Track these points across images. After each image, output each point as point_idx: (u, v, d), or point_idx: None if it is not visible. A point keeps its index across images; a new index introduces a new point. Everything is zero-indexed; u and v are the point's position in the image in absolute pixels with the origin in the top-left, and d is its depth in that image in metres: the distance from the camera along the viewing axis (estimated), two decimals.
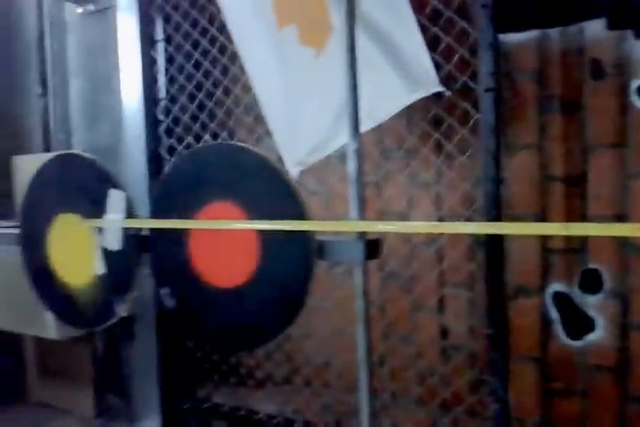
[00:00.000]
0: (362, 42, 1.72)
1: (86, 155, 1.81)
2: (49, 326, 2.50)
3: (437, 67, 1.73)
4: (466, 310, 2.09)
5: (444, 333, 2.15)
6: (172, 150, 2.47)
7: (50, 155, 2.08)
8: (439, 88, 1.71)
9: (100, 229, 1.75)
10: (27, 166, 3.06)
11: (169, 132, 2.47)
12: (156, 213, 1.71)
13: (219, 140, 2.35)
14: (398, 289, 2.18)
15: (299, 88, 2.07)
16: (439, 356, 2.15)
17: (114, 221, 1.73)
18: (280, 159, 2.01)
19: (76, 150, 1.90)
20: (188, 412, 2.42)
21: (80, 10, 2.74)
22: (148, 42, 2.48)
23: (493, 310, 1.59)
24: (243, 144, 1.70)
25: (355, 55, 1.54)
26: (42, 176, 1.95)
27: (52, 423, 2.75)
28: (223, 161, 1.62)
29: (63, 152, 2.05)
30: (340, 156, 2.07)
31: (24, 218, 2.00)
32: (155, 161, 2.47)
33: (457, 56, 1.76)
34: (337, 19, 1.96)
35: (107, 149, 2.74)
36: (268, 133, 2.14)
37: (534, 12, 1.83)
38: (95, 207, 1.77)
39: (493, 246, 1.56)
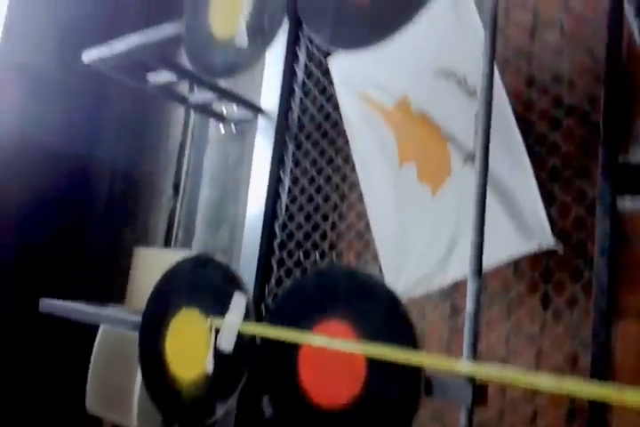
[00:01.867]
0: None
1: (220, 259, 2.02)
2: (132, 415, 2.60)
3: (552, 222, 1.83)
4: None
5: None
6: (281, 263, 2.66)
7: (185, 253, 2.29)
8: (552, 243, 1.79)
9: (218, 329, 1.90)
10: (146, 258, 3.36)
11: (282, 245, 2.67)
12: (271, 323, 1.83)
13: (327, 261, 2.52)
14: None
15: (412, 221, 2.22)
16: None
17: (232, 324, 1.87)
18: None
19: (209, 253, 2.10)
20: None
21: (223, 130, 3.14)
22: (278, 163, 2.77)
23: None
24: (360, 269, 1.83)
25: (484, 197, 1.58)
26: (175, 271, 2.16)
27: None
28: (341, 283, 1.75)
29: (200, 253, 2.28)
30: (442, 293, 2.16)
31: (150, 307, 2.19)
32: (265, 270, 2.67)
33: (573, 214, 1.87)
34: (457, 163, 2.16)
35: (222, 252, 2.99)
36: (375, 259, 2.29)
37: None
38: (218, 307, 1.93)
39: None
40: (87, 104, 3.90)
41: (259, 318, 1.86)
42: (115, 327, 2.60)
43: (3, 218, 3.50)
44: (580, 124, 1.92)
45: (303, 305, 1.77)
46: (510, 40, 2.16)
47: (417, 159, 2.24)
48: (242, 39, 1.84)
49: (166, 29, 2.18)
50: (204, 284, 2.11)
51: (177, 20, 2.13)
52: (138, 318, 2.29)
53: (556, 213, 1.88)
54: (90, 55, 2.46)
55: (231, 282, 2.02)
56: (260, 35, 1.79)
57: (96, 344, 2.91)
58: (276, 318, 1.84)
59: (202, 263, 2.07)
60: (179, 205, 3.37)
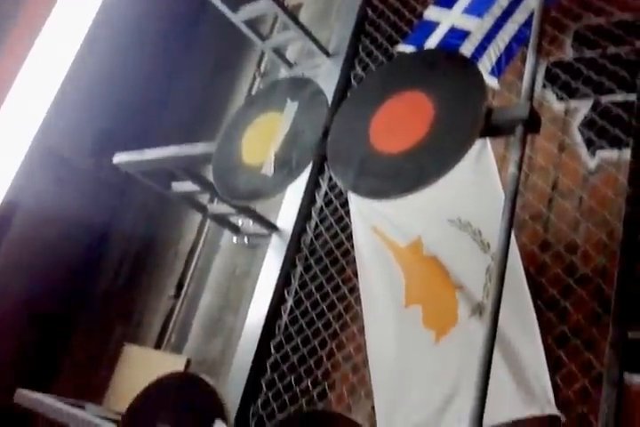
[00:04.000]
0: None
1: (209, 380, 1.94)
2: None
3: (556, 389, 1.77)
4: None
5: None
6: (271, 384, 2.55)
7: (175, 359, 2.20)
8: (554, 410, 1.72)
9: None
10: (134, 357, 3.27)
11: (274, 366, 2.58)
12: None
13: (319, 390, 2.41)
14: None
15: (411, 366, 2.14)
16: None
17: None
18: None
19: (202, 374, 2.03)
20: None
21: (235, 240, 3.18)
22: (284, 281, 2.77)
23: None
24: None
25: (493, 344, 1.52)
26: (160, 386, 2.08)
27: None
28: None
29: (189, 373, 2.21)
30: None
31: (126, 422, 2.09)
32: (252, 389, 2.56)
33: (578, 385, 1.80)
34: (464, 313, 2.13)
35: (213, 363, 2.90)
36: (368, 396, 2.19)
37: None
38: None
39: None
40: (111, 192, 4.00)
41: None
42: None
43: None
44: (591, 294, 1.91)
45: None
46: (527, 204, 2.23)
47: (424, 303, 2.21)
48: (269, 168, 1.91)
49: (199, 148, 2.28)
50: (186, 403, 2.02)
51: (211, 139, 2.24)
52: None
53: (560, 380, 1.81)
54: (121, 157, 2.57)
55: (215, 407, 1.93)
56: (287, 168, 1.86)
57: None
58: None
59: (190, 381, 2.00)
60: (178, 307, 3.33)
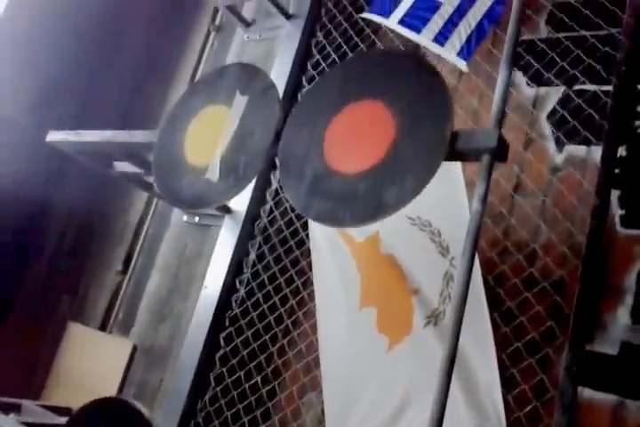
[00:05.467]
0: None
1: (136, 404, 1.84)
2: None
3: (508, 409, 1.73)
4: None
5: None
6: (219, 379, 2.47)
7: (121, 343, 2.01)
8: None
9: None
10: (79, 338, 3.14)
11: (224, 360, 2.50)
12: None
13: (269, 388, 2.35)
14: None
15: (363, 371, 2.08)
16: None
17: None
18: None
19: (129, 399, 1.93)
20: None
21: (185, 219, 3.00)
22: (235, 268, 2.63)
23: None
24: None
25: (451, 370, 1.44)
26: (86, 414, 1.95)
27: None
28: None
29: (115, 398, 2.10)
30: None
31: None
32: (200, 384, 2.48)
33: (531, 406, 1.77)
34: (419, 322, 2.05)
35: (159, 350, 2.79)
36: (319, 398, 2.15)
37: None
38: None
39: None
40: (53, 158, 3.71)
41: None
42: None
43: None
44: (548, 310, 1.86)
45: None
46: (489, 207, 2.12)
47: (379, 306, 2.13)
48: (214, 173, 1.73)
49: (138, 136, 2.06)
50: None
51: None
52: None
53: (512, 401, 1.78)
54: (55, 136, 2.32)
55: None
56: (234, 174, 1.68)
57: None
58: None
59: (116, 407, 1.89)
60: (125, 283, 3.18)
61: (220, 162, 1.73)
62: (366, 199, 1.39)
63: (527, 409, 1.77)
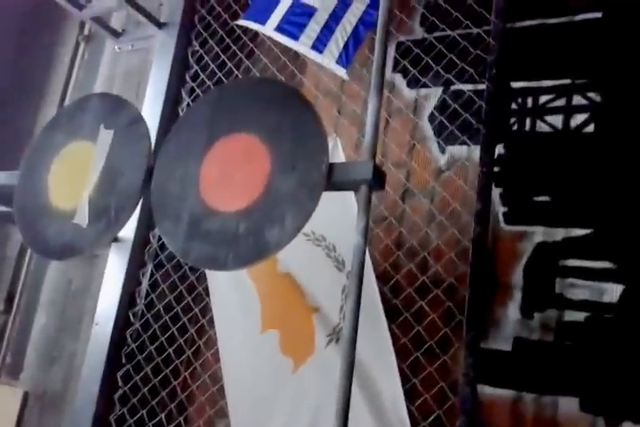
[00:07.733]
0: None
1: None
2: None
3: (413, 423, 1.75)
4: None
5: None
6: (121, 421, 2.33)
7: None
8: None
9: None
10: None
11: (123, 399, 2.35)
12: None
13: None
14: None
15: (270, 396, 2.05)
16: None
17: None
18: None
19: None
20: None
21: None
22: (128, 299, 2.49)
23: None
24: None
25: (349, 388, 1.40)
26: None
27: None
28: None
29: None
30: None
31: None
32: (101, 425, 2.33)
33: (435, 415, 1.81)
34: (321, 341, 2.03)
35: (53, 395, 2.60)
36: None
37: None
38: None
39: None
40: None
41: None
42: None
43: None
44: (443, 318, 1.90)
45: None
46: (380, 217, 2.13)
47: (281, 328, 2.09)
48: (82, 217, 1.60)
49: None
50: None
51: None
52: None
53: (416, 412, 1.81)
54: None
55: None
56: (105, 218, 1.56)
57: None
58: None
59: None
60: (10, 324, 2.93)
61: (88, 204, 1.60)
62: (248, 240, 1.34)
63: (431, 418, 1.80)
